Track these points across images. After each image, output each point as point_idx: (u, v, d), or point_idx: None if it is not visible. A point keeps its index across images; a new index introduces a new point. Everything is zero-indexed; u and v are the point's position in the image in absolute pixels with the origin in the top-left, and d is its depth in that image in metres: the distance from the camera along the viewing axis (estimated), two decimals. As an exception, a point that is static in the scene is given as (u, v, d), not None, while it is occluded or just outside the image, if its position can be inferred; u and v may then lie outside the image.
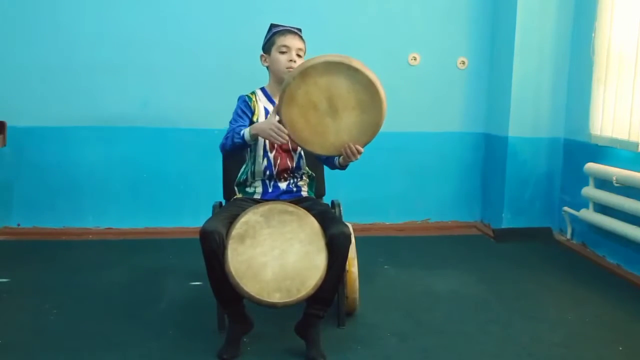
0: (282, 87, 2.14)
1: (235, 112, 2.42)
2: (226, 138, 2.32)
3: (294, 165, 2.44)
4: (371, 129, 2.22)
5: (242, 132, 2.26)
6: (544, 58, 3.90)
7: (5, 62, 3.78)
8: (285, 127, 2.16)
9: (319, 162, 2.58)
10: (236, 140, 2.27)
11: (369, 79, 2.14)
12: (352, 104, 2.16)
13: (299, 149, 2.44)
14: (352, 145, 2.21)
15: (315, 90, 2.11)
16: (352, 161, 2.28)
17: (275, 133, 2.17)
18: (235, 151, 2.35)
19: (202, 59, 3.90)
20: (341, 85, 2.12)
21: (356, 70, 2.12)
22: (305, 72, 2.09)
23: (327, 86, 2.12)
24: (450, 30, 4.12)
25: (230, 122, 2.41)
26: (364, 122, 2.20)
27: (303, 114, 2.15)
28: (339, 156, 2.31)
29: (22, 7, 3.75)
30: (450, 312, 2.78)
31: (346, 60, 2.10)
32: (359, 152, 2.24)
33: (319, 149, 2.24)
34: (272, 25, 2.45)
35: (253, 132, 2.24)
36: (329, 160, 2.44)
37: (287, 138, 2.18)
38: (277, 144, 2.36)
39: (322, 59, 2.09)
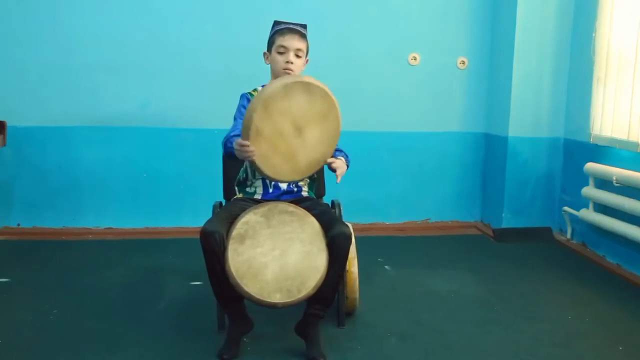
0: (244, 123, 2.09)
1: (238, 110, 2.41)
2: (225, 140, 2.30)
3: None
4: (333, 135, 2.23)
5: (234, 141, 2.23)
6: (544, 58, 3.90)
7: (5, 62, 3.78)
8: (257, 165, 2.14)
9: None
10: (229, 147, 2.26)
11: (322, 89, 2.14)
12: (313, 118, 2.16)
13: None
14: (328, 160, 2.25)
15: (280, 118, 2.11)
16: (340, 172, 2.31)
17: (240, 150, 2.11)
18: (230, 158, 2.34)
19: (202, 59, 3.90)
20: (300, 105, 2.12)
21: (309, 85, 2.11)
22: (265, 104, 2.07)
23: (289, 109, 2.11)
24: (450, 30, 4.12)
25: (235, 118, 2.40)
26: (324, 131, 2.20)
27: (272, 145, 2.13)
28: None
29: (22, 7, 3.75)
30: (450, 312, 2.78)
31: (299, 78, 2.12)
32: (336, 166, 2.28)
33: (295, 175, 2.25)
34: (275, 23, 2.43)
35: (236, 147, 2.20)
36: None
37: (252, 150, 2.09)
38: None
39: (278, 84, 2.08)
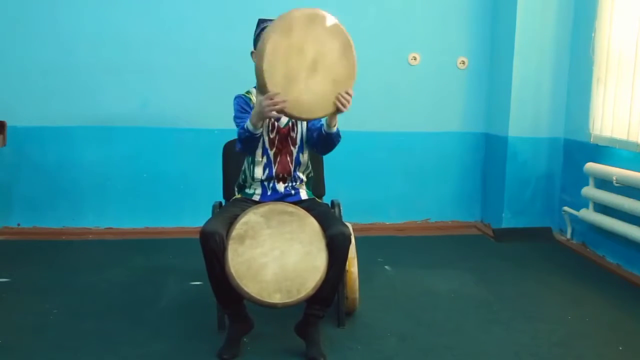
0: (283, 15, 2.11)
1: (237, 111, 2.40)
2: (238, 140, 2.32)
3: (294, 160, 2.43)
4: (325, 104, 2.17)
5: (245, 125, 2.24)
6: (544, 58, 3.90)
7: (5, 62, 3.78)
8: (263, 61, 2.08)
9: (318, 152, 2.52)
10: (243, 135, 2.25)
11: (354, 61, 2.18)
12: (331, 74, 2.15)
13: (299, 141, 2.42)
14: (342, 93, 2.16)
15: (312, 39, 2.11)
16: (342, 110, 2.18)
17: (269, 103, 2.09)
18: (249, 145, 2.31)
19: (202, 59, 3.90)
20: (332, 51, 2.14)
21: (350, 47, 2.16)
22: (314, 18, 2.12)
23: (323, 43, 2.13)
24: (450, 30, 4.12)
25: (235, 121, 2.39)
26: (326, 94, 2.15)
27: (287, 52, 2.10)
28: (323, 122, 2.28)
29: (22, 7, 3.75)
30: (450, 312, 2.78)
31: (348, 35, 2.17)
32: (350, 96, 2.18)
33: (279, 90, 2.11)
34: (260, 21, 2.40)
35: (253, 120, 2.20)
36: (319, 137, 2.36)
37: (282, 98, 2.09)
38: (276, 125, 2.33)
39: (333, 19, 2.16)
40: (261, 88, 2.15)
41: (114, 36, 3.83)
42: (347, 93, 2.17)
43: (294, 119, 2.37)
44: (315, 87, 2.14)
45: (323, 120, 2.32)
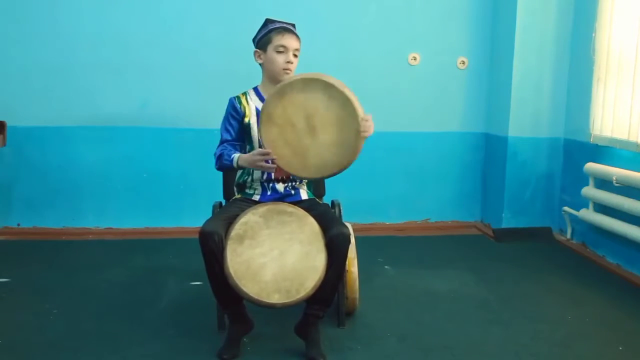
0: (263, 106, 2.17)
1: (225, 119, 2.42)
2: (218, 156, 2.36)
3: None
4: (352, 147, 2.16)
5: (232, 157, 2.30)
6: (544, 58, 3.90)
7: (5, 62, 3.78)
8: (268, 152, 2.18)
9: None
10: (225, 162, 2.32)
11: (346, 96, 2.12)
12: (330, 121, 2.14)
13: None
14: (363, 120, 2.13)
15: (293, 109, 2.12)
16: (367, 136, 2.17)
17: (261, 158, 2.20)
18: (226, 171, 2.39)
19: (202, 59, 3.90)
20: (318, 103, 2.12)
21: (332, 87, 2.11)
22: (282, 90, 2.12)
23: (304, 104, 2.12)
24: (450, 30, 4.12)
25: (221, 130, 2.43)
26: (343, 140, 2.15)
27: (282, 133, 2.15)
28: (328, 177, 2.32)
29: (22, 7, 3.75)
30: (450, 312, 2.78)
31: (322, 77, 2.12)
32: (369, 121, 2.17)
33: (302, 172, 2.23)
34: (268, 21, 2.40)
35: (241, 163, 2.28)
36: None
37: (274, 157, 2.18)
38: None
39: (299, 77, 2.13)
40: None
41: (114, 36, 3.83)
42: (365, 120, 2.14)
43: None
44: (325, 141, 2.15)
45: None
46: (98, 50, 3.83)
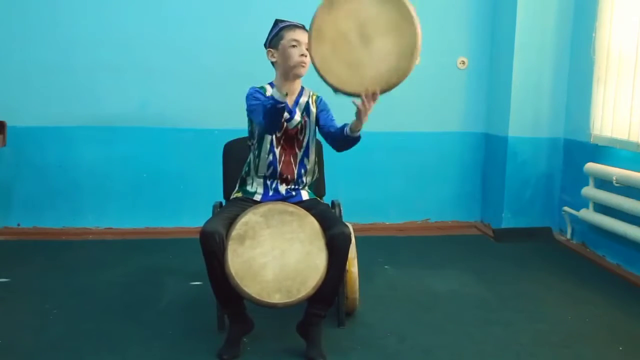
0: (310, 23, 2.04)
1: (252, 98, 2.33)
2: (262, 112, 2.21)
3: (297, 163, 2.43)
4: (410, 52, 2.05)
5: (270, 96, 2.19)
6: (544, 58, 3.90)
7: (5, 62, 3.78)
8: (318, 70, 2.05)
9: (319, 160, 2.54)
10: (268, 104, 2.17)
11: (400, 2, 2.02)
12: (384, 28, 2.03)
13: (305, 145, 2.43)
14: (369, 91, 2.11)
15: (344, 19, 2.01)
16: (367, 112, 2.17)
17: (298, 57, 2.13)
18: (272, 118, 2.21)
19: (202, 59, 3.90)
20: (369, 10, 2.02)
21: None
22: (330, 1, 2.00)
23: (356, 11, 2.01)
24: (450, 30, 4.12)
25: (251, 102, 2.33)
26: (401, 45, 2.04)
27: (334, 49, 2.01)
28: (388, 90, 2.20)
29: (22, 6, 3.75)
30: (450, 312, 2.78)
31: None
32: (375, 97, 2.14)
33: (359, 87, 2.06)
34: (278, 21, 2.40)
35: (277, 84, 2.19)
36: (336, 135, 2.36)
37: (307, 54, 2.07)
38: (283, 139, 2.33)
39: None
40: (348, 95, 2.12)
41: (114, 36, 3.83)
42: (374, 91, 2.11)
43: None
44: (380, 50, 2.03)
45: (348, 126, 2.29)
46: (98, 50, 3.83)
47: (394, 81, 2.11)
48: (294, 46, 2.31)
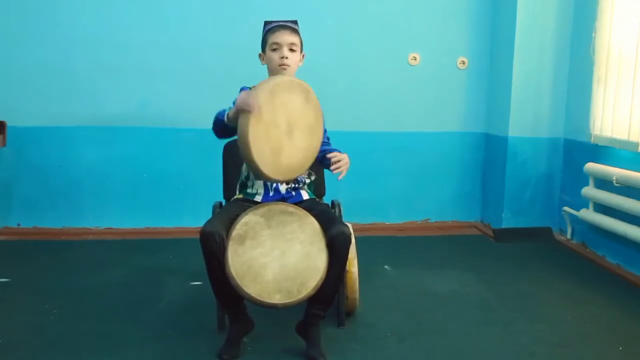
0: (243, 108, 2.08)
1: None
2: (214, 120, 2.28)
3: None
4: (312, 154, 2.26)
5: (224, 110, 2.23)
6: (544, 58, 3.90)
7: (5, 62, 3.78)
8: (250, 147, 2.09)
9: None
10: (218, 117, 2.23)
11: (318, 104, 2.22)
12: (304, 125, 2.19)
13: None
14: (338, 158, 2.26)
15: (279, 107, 2.12)
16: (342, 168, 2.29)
17: (245, 98, 2.07)
18: (219, 131, 2.28)
19: (202, 59, 3.90)
20: (297, 105, 2.16)
21: (309, 92, 2.19)
22: (273, 89, 2.10)
23: (288, 103, 2.14)
24: (450, 30, 4.12)
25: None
26: (310, 146, 2.24)
27: (266, 131, 2.11)
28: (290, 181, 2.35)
29: (22, 6, 3.75)
30: (450, 312, 2.78)
31: (301, 82, 2.19)
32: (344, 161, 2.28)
33: (272, 173, 2.15)
34: (266, 23, 2.42)
35: (231, 112, 2.17)
36: (322, 163, 2.43)
37: (256, 102, 2.07)
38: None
39: (284, 78, 2.18)
40: (254, 173, 2.24)
41: (114, 36, 3.83)
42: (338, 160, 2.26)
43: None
44: (297, 144, 2.18)
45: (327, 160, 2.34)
46: (98, 50, 3.83)
47: (294, 177, 2.30)
48: (274, 50, 2.34)
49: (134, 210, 4.00)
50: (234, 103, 2.34)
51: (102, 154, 3.93)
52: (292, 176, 2.27)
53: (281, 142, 2.15)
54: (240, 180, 2.51)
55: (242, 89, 2.40)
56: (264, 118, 2.09)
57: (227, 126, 2.22)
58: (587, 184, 3.64)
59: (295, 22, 2.43)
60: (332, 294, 2.29)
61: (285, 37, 2.34)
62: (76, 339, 2.42)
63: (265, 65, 2.44)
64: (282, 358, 2.30)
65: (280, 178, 2.23)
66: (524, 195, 4.04)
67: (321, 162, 2.43)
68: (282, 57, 2.33)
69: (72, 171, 3.92)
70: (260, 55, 2.44)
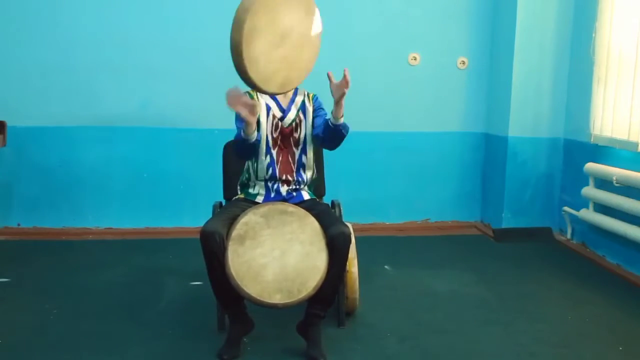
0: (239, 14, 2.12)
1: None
2: (233, 143, 2.33)
3: (296, 161, 2.42)
4: (303, 67, 2.20)
5: (240, 131, 2.26)
6: (544, 58, 3.90)
7: (6, 62, 3.78)
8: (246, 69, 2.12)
9: (327, 148, 2.52)
10: (237, 139, 2.27)
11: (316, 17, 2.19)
12: (297, 42, 2.15)
13: (302, 142, 2.43)
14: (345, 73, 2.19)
15: (287, 14, 2.11)
16: (344, 94, 2.23)
17: (237, 103, 2.14)
18: (243, 152, 2.33)
19: (203, 59, 3.90)
20: (301, 23, 2.15)
21: (309, 4, 2.18)
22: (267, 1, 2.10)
23: (292, 17, 2.12)
24: (450, 30, 4.12)
25: (235, 123, 2.37)
26: (300, 59, 2.18)
27: (270, 44, 2.10)
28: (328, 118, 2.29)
29: (22, 6, 3.75)
30: (450, 312, 2.78)
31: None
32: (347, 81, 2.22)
33: (250, 69, 2.14)
34: None
35: (243, 127, 2.21)
36: (326, 132, 2.36)
37: (253, 102, 2.12)
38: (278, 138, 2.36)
39: None
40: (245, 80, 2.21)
41: (114, 36, 3.83)
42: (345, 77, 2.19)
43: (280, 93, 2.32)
44: (304, 55, 2.14)
45: (329, 114, 2.32)
46: (98, 50, 3.83)
47: (284, 90, 2.23)
48: None
49: (134, 210, 4.00)
50: (236, 122, 2.35)
51: (103, 154, 3.93)
52: (282, 89, 2.20)
53: (273, 52, 2.11)
54: (241, 181, 2.51)
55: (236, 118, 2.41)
56: (258, 26, 2.10)
57: (247, 141, 2.24)
58: (587, 184, 3.64)
59: None
60: (332, 294, 2.29)
61: None
62: (76, 339, 2.42)
63: None
64: (282, 358, 2.30)
65: (269, 89, 2.17)
66: (524, 195, 4.04)
67: (327, 132, 2.38)
68: None
69: (73, 171, 3.92)
70: None
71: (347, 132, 2.35)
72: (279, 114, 2.40)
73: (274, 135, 2.39)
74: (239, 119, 2.34)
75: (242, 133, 2.23)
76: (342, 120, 2.30)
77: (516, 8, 3.81)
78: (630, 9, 3.32)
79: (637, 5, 3.26)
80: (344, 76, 2.21)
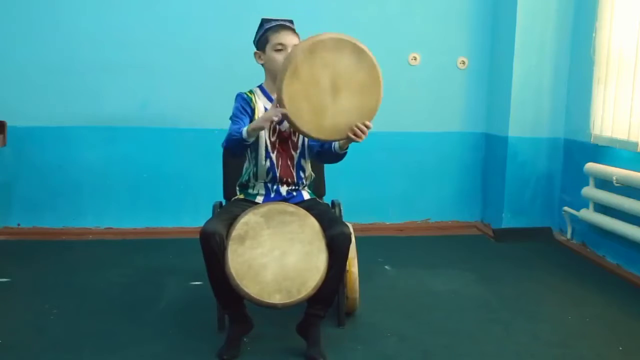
0: (286, 60, 2.10)
1: (237, 109, 2.37)
2: (226, 138, 2.29)
3: (295, 165, 2.43)
4: (369, 114, 2.19)
5: (240, 129, 2.23)
6: (544, 58, 3.90)
7: (5, 62, 3.78)
8: (283, 105, 2.11)
9: (318, 162, 2.55)
10: (234, 136, 2.23)
11: (373, 63, 2.15)
12: (354, 86, 2.14)
13: (300, 146, 2.43)
14: (359, 124, 2.16)
15: (321, 67, 2.08)
16: (358, 141, 2.19)
17: (273, 111, 2.12)
18: (236, 149, 2.29)
19: (203, 59, 3.90)
20: (346, 65, 2.11)
21: (362, 52, 2.13)
22: (313, 47, 2.07)
23: (333, 63, 2.09)
24: (450, 30, 4.12)
25: (231, 119, 2.37)
26: (363, 106, 2.17)
27: (304, 90, 2.09)
28: (338, 140, 2.26)
29: (22, 6, 3.75)
30: (450, 312, 2.78)
31: (354, 40, 2.12)
32: (368, 128, 2.19)
33: (314, 132, 2.16)
34: (264, 20, 2.39)
35: (251, 127, 2.19)
36: (324, 151, 2.38)
37: (284, 111, 2.10)
38: (277, 143, 2.36)
39: (331, 35, 2.09)
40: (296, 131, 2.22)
41: (114, 36, 3.83)
42: (365, 125, 2.17)
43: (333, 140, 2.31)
44: (344, 104, 2.14)
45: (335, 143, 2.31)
46: (98, 50, 3.83)
47: (344, 136, 2.20)
48: (279, 50, 2.31)
49: (134, 210, 4.00)
50: (234, 113, 2.35)
51: (103, 154, 3.93)
52: (339, 136, 2.20)
53: (323, 102, 2.12)
54: (241, 182, 2.50)
55: (238, 96, 2.41)
56: (301, 77, 2.08)
57: (243, 143, 2.22)
58: (587, 184, 3.64)
59: (291, 21, 2.43)
60: (332, 294, 2.29)
61: (289, 38, 2.32)
62: (76, 339, 2.42)
63: (260, 65, 2.42)
64: (282, 358, 2.30)
65: (323, 137, 2.19)
66: (524, 195, 4.04)
67: (319, 154, 2.40)
68: None
69: (72, 171, 3.92)
70: (256, 53, 2.40)
71: (344, 157, 2.37)
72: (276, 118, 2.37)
73: (272, 139, 2.39)
74: (238, 116, 2.34)
75: (244, 134, 2.21)
76: (346, 149, 2.32)
77: (516, 8, 3.81)
78: (630, 9, 3.32)
79: (637, 5, 3.26)
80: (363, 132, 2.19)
